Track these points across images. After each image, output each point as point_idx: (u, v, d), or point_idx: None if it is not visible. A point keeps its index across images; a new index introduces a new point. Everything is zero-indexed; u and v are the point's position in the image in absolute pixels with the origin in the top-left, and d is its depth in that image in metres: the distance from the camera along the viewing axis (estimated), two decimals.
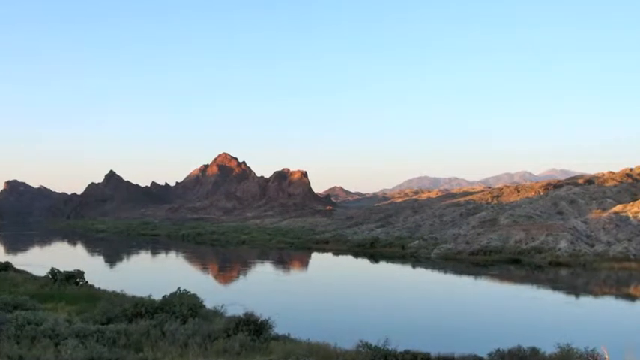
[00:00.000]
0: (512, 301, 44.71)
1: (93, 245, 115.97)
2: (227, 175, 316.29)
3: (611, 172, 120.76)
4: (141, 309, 22.18)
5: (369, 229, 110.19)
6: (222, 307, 24.98)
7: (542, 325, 33.39)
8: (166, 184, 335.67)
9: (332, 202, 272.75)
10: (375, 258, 78.46)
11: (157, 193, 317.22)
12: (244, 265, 75.63)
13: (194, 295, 24.30)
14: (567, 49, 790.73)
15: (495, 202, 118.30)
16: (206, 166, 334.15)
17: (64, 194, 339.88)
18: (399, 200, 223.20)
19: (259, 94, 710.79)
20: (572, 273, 60.29)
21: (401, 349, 17.29)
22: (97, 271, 54.76)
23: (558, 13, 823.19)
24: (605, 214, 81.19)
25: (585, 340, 19.11)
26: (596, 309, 41.19)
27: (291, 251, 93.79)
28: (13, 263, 49.31)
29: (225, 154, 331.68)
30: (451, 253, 74.73)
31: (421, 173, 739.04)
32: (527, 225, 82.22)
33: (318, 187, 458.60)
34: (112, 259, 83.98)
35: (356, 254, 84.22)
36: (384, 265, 72.67)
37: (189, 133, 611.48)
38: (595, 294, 48.29)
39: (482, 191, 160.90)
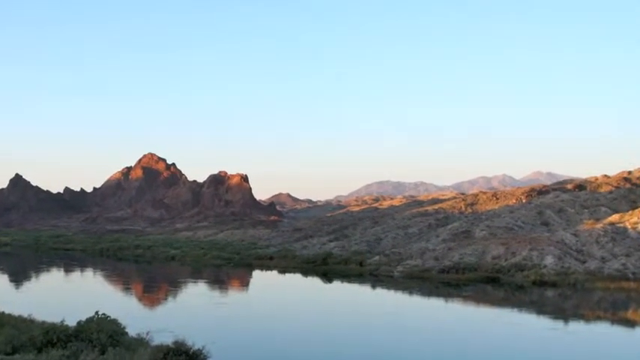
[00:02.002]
0: (489, 327, 45.15)
1: None
2: (154, 179, 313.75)
3: (605, 175, 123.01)
4: (52, 337, 21.97)
5: (321, 242, 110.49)
6: (147, 334, 24.90)
7: (525, 356, 33.78)
8: (82, 189, 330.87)
9: (277, 210, 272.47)
10: (327, 277, 78.56)
11: (70, 200, 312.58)
12: (174, 285, 75.19)
13: (114, 321, 24.12)
14: (557, 39, 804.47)
15: (470, 210, 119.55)
16: (129, 169, 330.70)
17: None
18: (357, 209, 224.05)
19: (190, 87, 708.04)
20: (560, 294, 60.98)
21: None
22: None
23: (543, 5, 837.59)
24: (598, 225, 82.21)
25: None
26: (588, 336, 41.70)
27: (229, 269, 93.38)
28: None
29: (152, 154, 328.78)
30: (417, 271, 75.09)
31: (382, 177, 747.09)
32: (507, 238, 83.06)
33: (261, 193, 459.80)
34: (17, 278, 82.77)
35: (305, 272, 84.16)
36: (338, 285, 72.90)
37: (109, 131, 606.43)
38: (587, 319, 48.81)
39: (455, 198, 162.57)
